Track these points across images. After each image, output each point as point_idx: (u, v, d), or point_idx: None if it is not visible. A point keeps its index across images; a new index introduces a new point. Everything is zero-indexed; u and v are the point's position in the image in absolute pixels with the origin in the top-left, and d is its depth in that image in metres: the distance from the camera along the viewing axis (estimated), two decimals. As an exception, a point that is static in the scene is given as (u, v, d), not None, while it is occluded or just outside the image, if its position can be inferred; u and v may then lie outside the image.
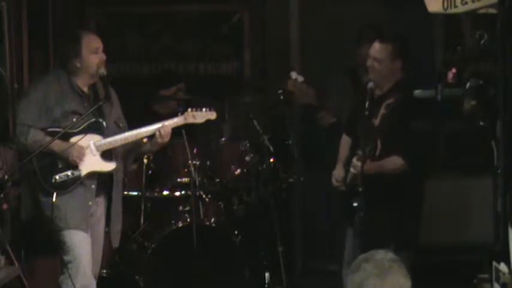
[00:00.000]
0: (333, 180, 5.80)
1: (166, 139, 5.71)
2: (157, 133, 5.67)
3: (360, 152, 5.52)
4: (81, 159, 5.51)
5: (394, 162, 5.55)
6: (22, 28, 6.67)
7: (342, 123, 6.29)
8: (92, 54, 5.56)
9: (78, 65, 5.56)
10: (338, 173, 5.79)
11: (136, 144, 5.75)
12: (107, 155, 5.62)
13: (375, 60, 5.65)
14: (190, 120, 5.85)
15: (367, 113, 5.51)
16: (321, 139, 7.20)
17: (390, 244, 5.24)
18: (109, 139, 5.60)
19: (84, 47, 5.55)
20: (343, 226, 5.93)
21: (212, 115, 5.93)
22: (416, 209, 5.68)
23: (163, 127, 5.67)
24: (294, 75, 6.33)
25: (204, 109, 5.88)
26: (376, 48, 5.66)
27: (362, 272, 3.39)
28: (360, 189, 5.42)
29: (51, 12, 7.39)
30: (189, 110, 5.86)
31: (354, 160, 5.56)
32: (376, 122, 5.63)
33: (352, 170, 5.57)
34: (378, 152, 5.55)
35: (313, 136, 7.49)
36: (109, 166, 5.62)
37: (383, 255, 3.44)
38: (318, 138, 7.27)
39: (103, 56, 5.60)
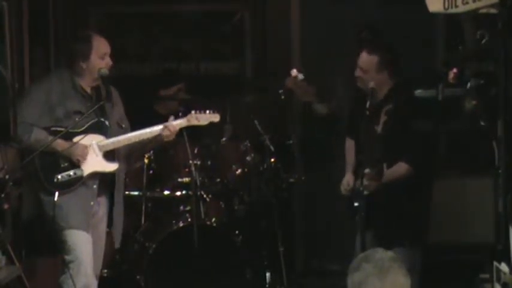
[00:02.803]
0: (342, 189, 5.71)
1: (172, 138, 5.71)
2: (164, 132, 5.65)
3: (367, 171, 5.45)
4: (83, 159, 5.50)
5: (400, 169, 5.49)
6: (23, 27, 6.67)
7: (338, 118, 6.24)
8: (100, 59, 5.53)
9: (84, 66, 5.53)
10: (347, 181, 5.70)
11: (140, 144, 5.73)
12: (109, 155, 5.60)
13: (362, 70, 5.63)
14: (194, 122, 5.81)
15: (367, 113, 5.49)
16: (321, 139, 7.19)
17: (404, 242, 5.26)
18: (112, 140, 5.58)
19: (93, 51, 5.52)
20: (344, 226, 5.91)
21: (216, 117, 5.88)
22: (422, 207, 5.64)
23: (171, 126, 5.66)
24: (294, 72, 6.29)
25: (207, 111, 5.83)
26: (363, 58, 5.62)
27: (362, 272, 3.38)
28: (362, 188, 5.40)
29: (52, 11, 7.39)
30: (193, 112, 5.81)
31: (365, 181, 5.46)
32: (379, 129, 5.60)
33: (365, 191, 5.49)
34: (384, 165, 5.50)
35: (314, 136, 7.48)
36: (111, 167, 5.60)
37: (382, 255, 3.43)
38: (319, 138, 7.26)
39: (109, 62, 5.56)
